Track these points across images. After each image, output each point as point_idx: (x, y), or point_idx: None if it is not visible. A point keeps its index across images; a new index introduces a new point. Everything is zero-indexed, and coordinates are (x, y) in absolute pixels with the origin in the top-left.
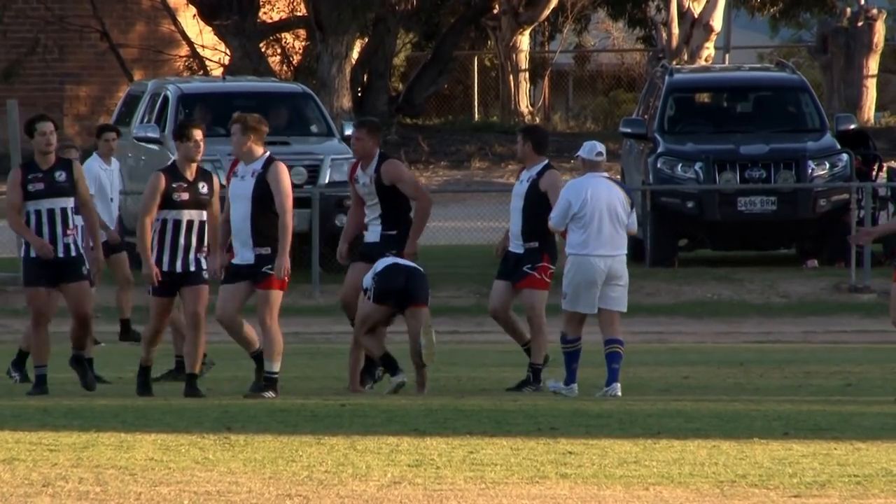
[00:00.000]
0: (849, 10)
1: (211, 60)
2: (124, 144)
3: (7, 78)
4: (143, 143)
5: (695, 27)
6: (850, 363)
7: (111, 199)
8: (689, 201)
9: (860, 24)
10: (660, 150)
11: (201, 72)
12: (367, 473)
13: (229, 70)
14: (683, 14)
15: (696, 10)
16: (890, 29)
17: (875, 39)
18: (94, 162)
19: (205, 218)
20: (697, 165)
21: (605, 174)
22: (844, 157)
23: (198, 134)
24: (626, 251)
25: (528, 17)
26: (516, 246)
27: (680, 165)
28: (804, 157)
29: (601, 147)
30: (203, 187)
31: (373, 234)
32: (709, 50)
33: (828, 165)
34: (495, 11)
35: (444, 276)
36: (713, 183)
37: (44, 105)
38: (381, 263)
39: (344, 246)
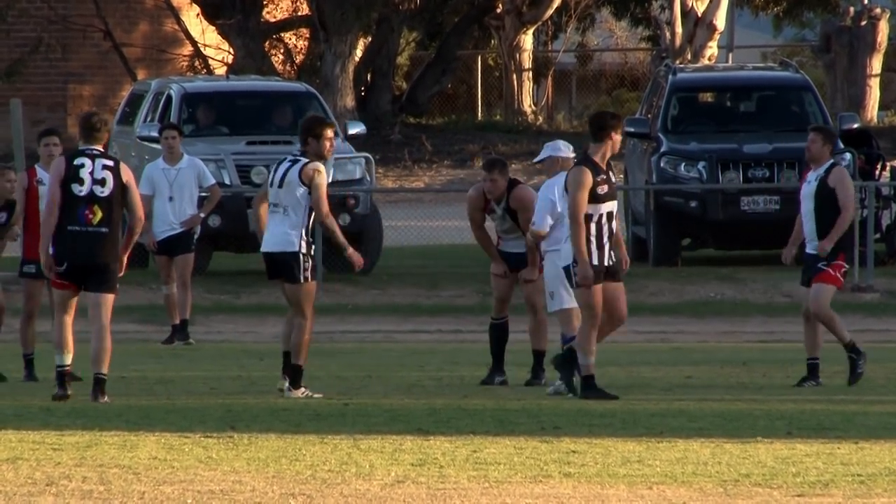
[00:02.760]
0: (852, 9)
1: (214, 60)
2: (127, 143)
3: (9, 77)
4: (146, 143)
5: (698, 26)
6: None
7: (170, 199)
8: (692, 201)
9: (863, 23)
10: (663, 149)
11: (204, 71)
12: (371, 472)
13: (233, 69)
14: (687, 13)
15: (700, 9)
16: (893, 28)
17: (878, 39)
18: (155, 163)
19: None
20: (701, 165)
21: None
22: (848, 156)
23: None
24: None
25: (531, 16)
26: (812, 247)
27: (683, 165)
28: None
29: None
30: None
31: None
32: (712, 49)
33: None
34: (499, 11)
35: (447, 275)
36: (716, 182)
37: (47, 104)
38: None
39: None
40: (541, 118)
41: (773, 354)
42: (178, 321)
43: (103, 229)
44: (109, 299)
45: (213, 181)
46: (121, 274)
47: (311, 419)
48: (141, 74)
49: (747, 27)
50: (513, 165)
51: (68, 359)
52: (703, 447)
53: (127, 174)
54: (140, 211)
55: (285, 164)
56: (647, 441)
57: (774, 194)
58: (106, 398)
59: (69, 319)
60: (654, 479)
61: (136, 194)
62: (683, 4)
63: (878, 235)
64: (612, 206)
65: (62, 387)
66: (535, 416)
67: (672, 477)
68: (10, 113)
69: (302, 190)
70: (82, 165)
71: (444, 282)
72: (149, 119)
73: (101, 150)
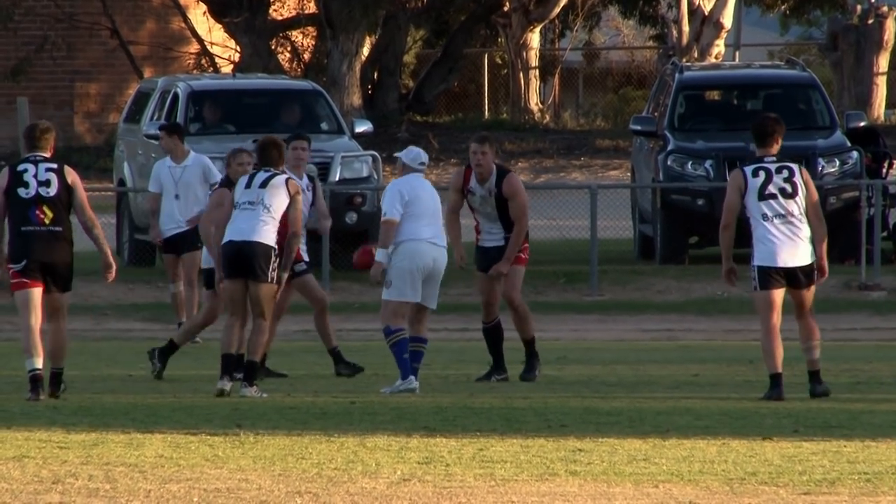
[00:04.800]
0: (859, 7)
1: (221, 58)
2: (134, 142)
3: (16, 75)
4: (153, 141)
5: (705, 24)
6: (859, 361)
7: (176, 197)
8: (699, 199)
9: (870, 21)
10: (670, 147)
11: (211, 69)
12: (377, 471)
13: (239, 67)
14: (694, 11)
15: (707, 7)
16: None
17: (885, 37)
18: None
19: None
20: (707, 163)
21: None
22: (854, 154)
23: None
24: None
25: (538, 14)
26: None
27: (690, 163)
28: (814, 155)
29: (425, 157)
30: None
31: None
32: (719, 47)
33: (838, 163)
34: (506, 9)
35: (454, 273)
36: (723, 180)
37: (54, 103)
38: None
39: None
40: (548, 116)
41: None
42: (184, 319)
43: (57, 228)
44: (66, 298)
45: (219, 177)
46: (113, 278)
47: (318, 417)
48: (147, 72)
49: (754, 25)
50: (519, 163)
51: (39, 362)
52: (710, 445)
53: (72, 176)
54: (88, 210)
55: (264, 174)
56: (654, 439)
57: None
58: (62, 393)
59: (36, 323)
60: (661, 478)
61: (83, 195)
62: (690, 3)
63: (884, 233)
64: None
65: (35, 391)
66: (542, 414)
67: (678, 475)
68: (17, 111)
69: (285, 197)
70: (25, 171)
71: (450, 280)
72: (155, 117)
73: (46, 156)
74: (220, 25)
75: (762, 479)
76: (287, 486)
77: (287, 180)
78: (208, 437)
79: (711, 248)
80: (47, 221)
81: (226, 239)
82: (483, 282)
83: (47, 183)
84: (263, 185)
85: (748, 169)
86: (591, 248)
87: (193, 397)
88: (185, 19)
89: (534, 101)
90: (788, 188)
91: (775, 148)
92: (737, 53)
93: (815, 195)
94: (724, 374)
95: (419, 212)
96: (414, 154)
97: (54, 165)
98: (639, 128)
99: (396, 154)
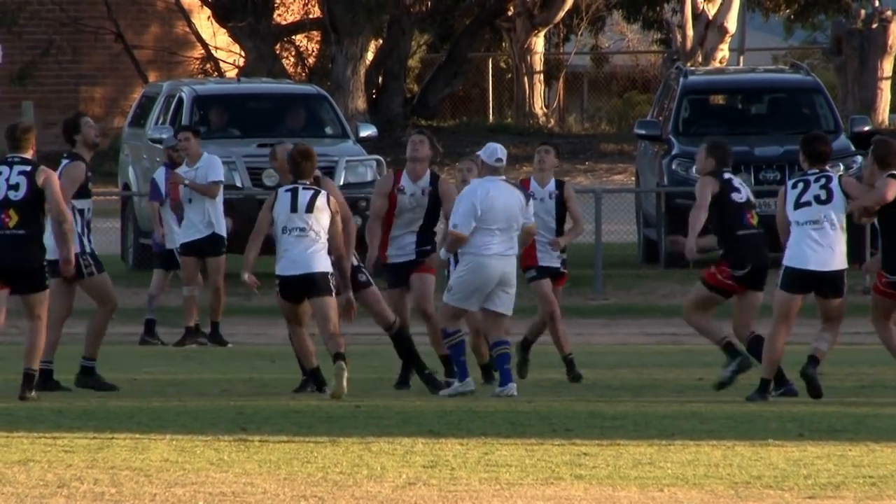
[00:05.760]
0: (863, 11)
1: (225, 62)
2: (139, 146)
3: (21, 80)
4: (157, 145)
5: (709, 29)
6: (864, 365)
7: (189, 201)
8: None
9: (874, 25)
10: (674, 151)
11: (216, 73)
12: (382, 474)
13: (244, 72)
14: (698, 16)
15: (711, 11)
16: None
17: (889, 41)
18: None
19: None
20: None
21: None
22: (859, 158)
23: None
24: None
25: (542, 18)
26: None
27: (694, 167)
28: None
29: (502, 153)
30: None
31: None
32: (723, 52)
33: (842, 167)
34: (510, 13)
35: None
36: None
37: (59, 107)
38: None
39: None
40: (552, 120)
41: (784, 357)
42: (192, 323)
43: (20, 232)
44: (39, 297)
45: (220, 176)
46: (69, 274)
47: (323, 421)
48: (152, 77)
49: (758, 30)
50: (524, 168)
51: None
52: (715, 449)
53: (43, 176)
54: (59, 210)
55: (309, 192)
56: (659, 443)
57: None
58: (34, 394)
59: None
60: (666, 481)
61: (56, 194)
62: (695, 7)
63: None
64: None
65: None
66: (547, 418)
67: (683, 479)
68: (22, 115)
69: (328, 216)
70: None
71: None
72: (160, 121)
73: (23, 157)
74: (224, 30)
75: (767, 483)
76: (292, 490)
77: (329, 199)
78: (214, 440)
79: (714, 252)
80: (11, 225)
81: (285, 273)
82: (393, 297)
83: (16, 187)
84: (310, 208)
85: (789, 182)
86: (595, 252)
87: (199, 401)
88: (190, 24)
89: (538, 106)
90: (823, 195)
91: (823, 167)
92: (741, 58)
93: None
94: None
95: (491, 222)
96: (490, 150)
97: (27, 168)
98: (643, 132)
99: (478, 153)
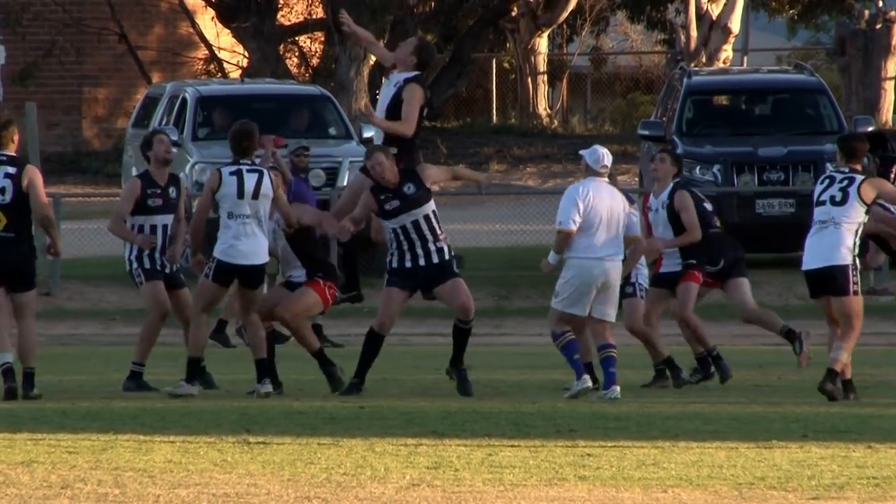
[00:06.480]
0: (867, 12)
1: (229, 63)
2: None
3: (24, 80)
4: None
5: (713, 29)
6: (868, 365)
7: None
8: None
9: (878, 26)
10: (678, 152)
11: (219, 74)
12: (386, 475)
13: (247, 72)
14: (702, 16)
15: (715, 12)
16: None
17: (893, 42)
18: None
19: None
20: (716, 168)
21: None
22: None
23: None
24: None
25: (546, 19)
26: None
27: (698, 168)
28: (822, 160)
29: (608, 159)
30: (173, 192)
31: None
32: (727, 52)
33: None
34: (514, 14)
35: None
36: (731, 185)
37: (62, 108)
38: None
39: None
40: (556, 121)
41: (789, 357)
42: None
43: (9, 234)
44: (30, 297)
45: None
46: (56, 255)
47: (327, 422)
48: (156, 78)
49: (762, 30)
50: (528, 168)
51: (9, 356)
52: (719, 450)
53: (28, 176)
54: (41, 209)
55: (254, 175)
56: (663, 444)
57: (789, 197)
58: (36, 391)
59: (1, 320)
60: (670, 483)
61: (39, 193)
62: (698, 7)
63: None
64: None
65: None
66: (551, 418)
67: (687, 480)
68: (26, 116)
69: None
70: None
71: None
72: (164, 122)
73: (9, 154)
74: (228, 30)
75: (771, 484)
76: (296, 492)
77: (271, 178)
78: (217, 442)
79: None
80: (0, 227)
81: (228, 259)
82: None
83: (2, 190)
84: (255, 195)
85: (821, 177)
86: None
87: (202, 402)
88: (194, 24)
89: (542, 106)
90: (839, 196)
91: (858, 165)
92: (745, 58)
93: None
94: (732, 378)
95: (594, 224)
96: (597, 155)
97: (13, 170)
98: (647, 133)
99: (581, 152)
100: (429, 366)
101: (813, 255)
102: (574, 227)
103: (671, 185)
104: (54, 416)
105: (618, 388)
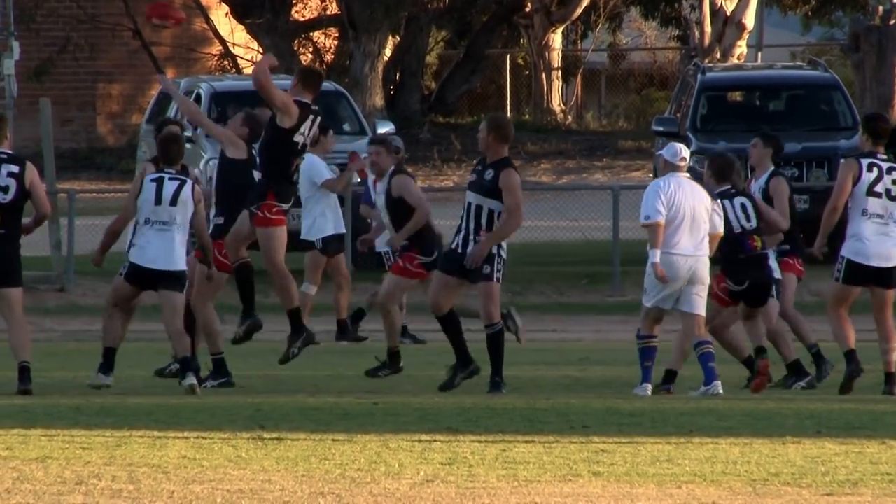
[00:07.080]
0: (881, 8)
1: (243, 59)
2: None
3: (38, 76)
4: None
5: (727, 25)
6: (882, 361)
7: None
8: None
9: (893, 22)
10: (692, 148)
11: (234, 70)
12: (400, 472)
13: None
14: (716, 12)
15: (729, 8)
16: None
17: None
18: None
19: None
20: None
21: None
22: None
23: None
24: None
25: (560, 15)
26: None
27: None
28: (837, 156)
29: (685, 152)
30: None
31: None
32: (741, 48)
33: None
34: (528, 10)
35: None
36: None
37: (76, 104)
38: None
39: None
40: (570, 117)
41: (802, 353)
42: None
43: (2, 231)
44: (17, 293)
45: (326, 175)
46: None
47: (341, 418)
48: (170, 73)
49: (776, 26)
50: (542, 164)
51: None
52: (733, 446)
53: (30, 175)
54: (45, 208)
55: (174, 182)
56: (677, 440)
57: (804, 193)
58: (30, 384)
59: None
60: (684, 478)
61: (41, 192)
62: (713, 4)
63: None
64: None
65: None
66: (564, 415)
67: (701, 476)
68: (40, 112)
69: (192, 207)
70: None
71: None
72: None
73: (7, 152)
74: (242, 26)
75: (785, 480)
76: (310, 488)
77: (193, 188)
78: (231, 437)
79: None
80: None
81: (141, 263)
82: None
83: (5, 189)
84: (174, 201)
85: (864, 162)
86: (613, 249)
87: (216, 398)
88: (208, 20)
89: (556, 102)
90: (894, 190)
91: (882, 147)
92: (759, 54)
93: None
94: (746, 374)
95: (678, 218)
96: (674, 149)
97: (15, 169)
98: (661, 129)
99: (658, 152)
100: (442, 362)
101: (879, 253)
102: (661, 218)
103: (769, 170)
104: (68, 411)
105: (719, 384)
